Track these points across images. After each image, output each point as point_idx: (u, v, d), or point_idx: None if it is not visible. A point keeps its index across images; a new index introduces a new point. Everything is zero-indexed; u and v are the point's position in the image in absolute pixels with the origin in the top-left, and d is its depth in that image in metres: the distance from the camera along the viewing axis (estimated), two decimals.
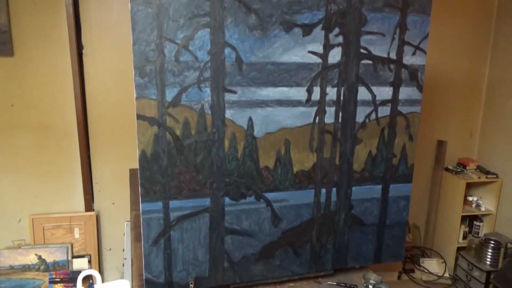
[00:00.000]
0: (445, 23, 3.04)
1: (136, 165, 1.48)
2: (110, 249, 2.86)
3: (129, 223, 2.64)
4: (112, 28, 2.52)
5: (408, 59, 1.65)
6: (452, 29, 3.09)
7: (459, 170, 3.26)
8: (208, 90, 1.46)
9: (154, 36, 1.37)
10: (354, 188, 1.72)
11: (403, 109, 1.70)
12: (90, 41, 2.51)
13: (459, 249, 3.22)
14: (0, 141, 2.52)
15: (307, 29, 1.51)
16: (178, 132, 1.47)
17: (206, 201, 1.55)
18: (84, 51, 2.52)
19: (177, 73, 1.42)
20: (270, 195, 1.62)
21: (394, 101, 1.68)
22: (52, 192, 2.67)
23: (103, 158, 2.71)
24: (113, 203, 2.79)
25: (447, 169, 3.30)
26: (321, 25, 1.52)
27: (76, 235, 2.71)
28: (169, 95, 1.43)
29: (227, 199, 1.57)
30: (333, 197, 1.70)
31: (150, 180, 1.47)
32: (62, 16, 2.41)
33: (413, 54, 1.65)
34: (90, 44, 2.52)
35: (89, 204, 2.73)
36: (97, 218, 2.77)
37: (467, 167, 3.27)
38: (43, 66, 2.46)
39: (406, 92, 1.69)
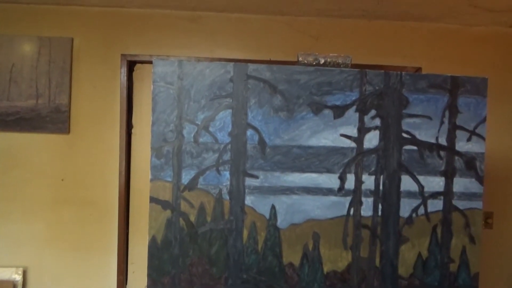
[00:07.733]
0: (503, 104, 2.69)
1: None
2: None
3: None
4: None
5: (462, 146, 1.42)
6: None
7: None
8: (227, 173, 1.35)
9: (174, 116, 1.33)
10: None
11: (460, 204, 1.43)
12: (139, 121, 2.61)
13: None
14: (47, 214, 2.59)
15: (339, 111, 1.38)
16: (192, 218, 1.34)
17: None
18: (133, 130, 2.61)
19: (195, 154, 1.34)
20: None
21: (447, 193, 1.42)
22: (86, 268, 2.61)
23: (142, 237, 2.64)
24: (146, 287, 2.65)
25: None
26: (354, 107, 1.38)
27: None
28: (186, 177, 1.34)
29: None
30: None
31: (159, 270, 1.33)
32: (116, 98, 2.56)
33: (468, 140, 1.42)
34: (139, 123, 2.61)
35: (121, 285, 2.61)
36: None
37: None
38: (94, 143, 2.57)
39: (462, 183, 1.43)
